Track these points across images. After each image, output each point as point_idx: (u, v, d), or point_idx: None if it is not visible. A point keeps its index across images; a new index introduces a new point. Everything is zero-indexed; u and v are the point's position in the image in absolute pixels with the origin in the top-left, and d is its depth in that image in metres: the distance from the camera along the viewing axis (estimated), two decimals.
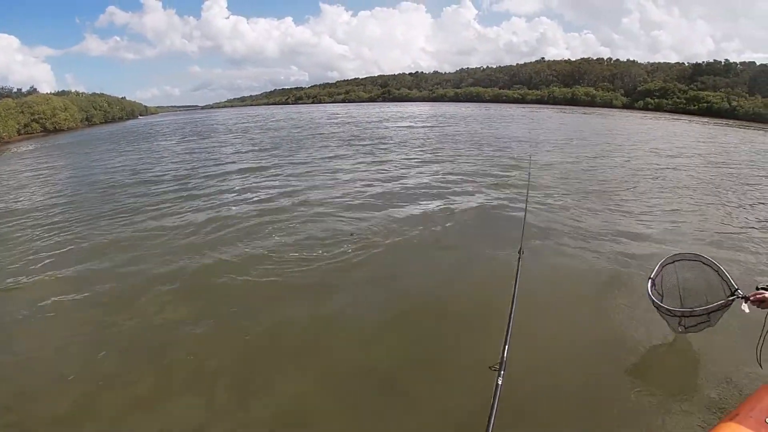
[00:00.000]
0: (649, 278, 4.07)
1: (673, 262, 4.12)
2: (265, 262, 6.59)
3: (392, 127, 33.65)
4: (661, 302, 3.97)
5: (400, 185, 11.73)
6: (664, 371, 4.06)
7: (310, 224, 8.43)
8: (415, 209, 9.41)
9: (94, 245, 7.75)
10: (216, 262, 6.67)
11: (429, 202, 9.91)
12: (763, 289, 3.25)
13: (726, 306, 3.62)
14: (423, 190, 11.09)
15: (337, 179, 12.82)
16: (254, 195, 11.10)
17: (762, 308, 3.25)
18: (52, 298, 5.67)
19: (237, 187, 12.16)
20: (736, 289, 3.56)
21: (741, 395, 3.45)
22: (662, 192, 11.22)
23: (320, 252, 6.91)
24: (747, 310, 3.36)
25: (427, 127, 33.41)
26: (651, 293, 3.98)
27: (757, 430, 2.11)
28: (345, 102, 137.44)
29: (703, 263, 3.93)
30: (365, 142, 22.61)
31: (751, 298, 3.28)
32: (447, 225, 8.31)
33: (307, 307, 5.27)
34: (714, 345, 4.13)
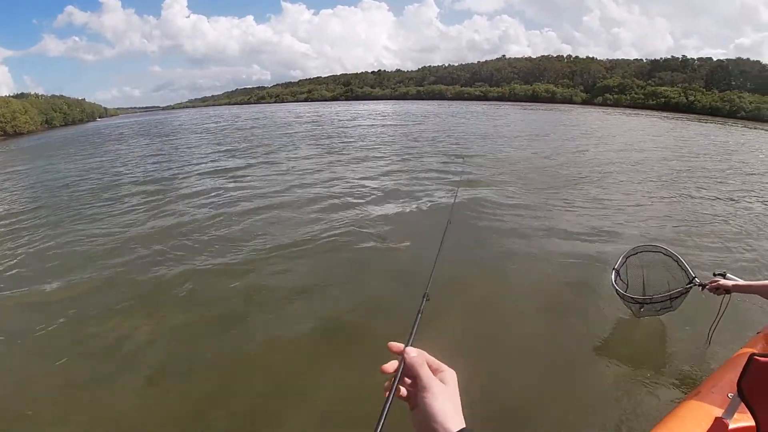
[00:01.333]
0: (613, 269, 4.38)
1: (636, 253, 4.36)
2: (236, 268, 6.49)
3: (356, 125, 33.84)
4: (626, 291, 4.24)
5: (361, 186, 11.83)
6: (629, 356, 4.19)
7: (273, 226, 8.36)
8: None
9: (69, 252, 7.47)
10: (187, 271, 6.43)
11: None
12: (719, 275, 3.51)
13: (684, 293, 3.91)
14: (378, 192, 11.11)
15: (303, 180, 12.68)
16: (217, 199, 10.88)
17: (717, 294, 3.49)
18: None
19: (201, 190, 11.90)
20: (694, 277, 3.82)
21: (704, 373, 3.61)
22: (623, 185, 11.65)
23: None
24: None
25: (390, 125, 33.76)
26: (615, 283, 4.28)
27: (721, 405, 2.12)
28: (308, 101, 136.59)
29: (664, 254, 4.18)
30: (332, 141, 22.61)
31: (708, 286, 3.54)
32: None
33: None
34: (677, 328, 4.40)
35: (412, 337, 0.94)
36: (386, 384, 0.84)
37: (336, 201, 10.00)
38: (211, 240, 7.64)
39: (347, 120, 41.02)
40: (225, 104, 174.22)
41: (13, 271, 6.74)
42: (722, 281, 3.40)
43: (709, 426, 1.95)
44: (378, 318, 4.93)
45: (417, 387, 0.82)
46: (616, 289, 4.27)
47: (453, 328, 4.46)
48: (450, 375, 0.85)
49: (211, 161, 17.33)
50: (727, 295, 3.45)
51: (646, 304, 4.13)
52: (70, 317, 5.16)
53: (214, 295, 5.59)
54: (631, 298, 4.20)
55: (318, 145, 21.38)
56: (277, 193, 10.96)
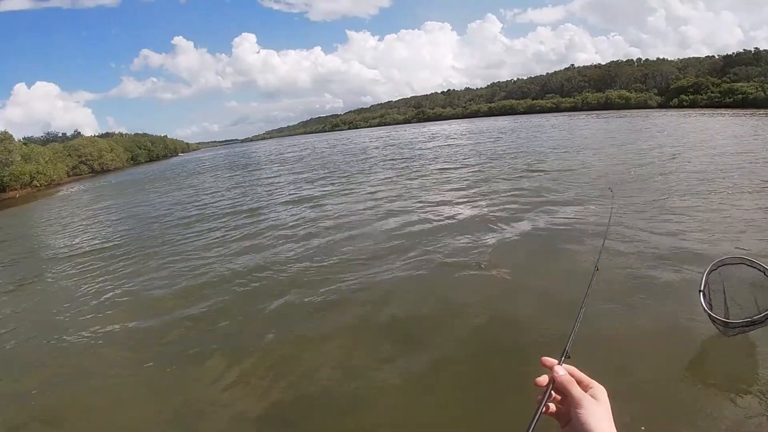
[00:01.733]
0: (699, 291, 3.93)
1: (717, 268, 3.99)
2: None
3: (432, 146, 33.33)
4: (711, 310, 3.87)
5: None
6: (722, 370, 3.90)
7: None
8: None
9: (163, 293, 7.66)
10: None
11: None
12: None
13: None
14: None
15: (387, 206, 12.16)
16: (302, 229, 10.83)
17: None
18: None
19: (286, 221, 11.98)
20: None
21: None
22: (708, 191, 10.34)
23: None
24: None
25: (464, 145, 33.05)
26: (705, 306, 3.88)
27: None
28: (380, 125, 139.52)
29: (747, 265, 3.83)
30: (408, 164, 22.38)
31: None
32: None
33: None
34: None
35: (563, 357, 0.93)
36: (538, 397, 0.85)
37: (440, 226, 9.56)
38: (300, 273, 7.58)
39: (423, 141, 41.04)
40: (301, 133, 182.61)
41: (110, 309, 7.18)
42: None
43: None
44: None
45: (569, 404, 0.83)
46: (709, 314, 3.87)
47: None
48: (600, 391, 0.84)
49: (294, 189, 17.83)
50: None
51: (746, 326, 3.73)
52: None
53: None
54: (724, 322, 3.83)
55: (393, 168, 21.38)
56: (363, 221, 10.67)
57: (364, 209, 11.87)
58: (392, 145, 39.76)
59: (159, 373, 4.89)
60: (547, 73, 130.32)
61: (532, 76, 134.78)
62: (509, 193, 12.21)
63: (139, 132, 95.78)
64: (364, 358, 4.75)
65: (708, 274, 3.98)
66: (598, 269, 2.03)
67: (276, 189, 18.46)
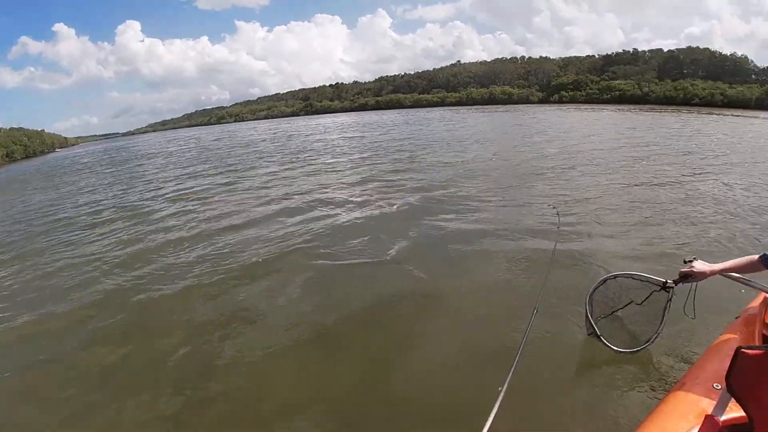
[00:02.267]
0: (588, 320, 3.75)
1: (594, 291, 3.75)
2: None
3: (320, 139, 34.03)
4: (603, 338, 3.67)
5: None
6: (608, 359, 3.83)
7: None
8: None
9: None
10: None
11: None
12: (689, 262, 3.22)
13: (669, 301, 3.39)
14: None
15: (271, 194, 12.81)
16: (186, 222, 10.94)
17: (690, 282, 3.25)
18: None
19: (170, 215, 11.91)
20: (665, 281, 3.37)
21: (688, 364, 3.44)
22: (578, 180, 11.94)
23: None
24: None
25: (350, 137, 34.25)
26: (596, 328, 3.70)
27: (707, 397, 2.07)
28: (267, 118, 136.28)
29: (618, 277, 3.66)
30: (294, 156, 22.64)
31: (680, 278, 3.26)
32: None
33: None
34: None
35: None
36: None
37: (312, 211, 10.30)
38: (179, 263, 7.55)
39: (312, 133, 41.58)
40: (185, 126, 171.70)
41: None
42: (696, 266, 3.14)
43: (701, 422, 1.88)
44: None
45: None
46: (598, 337, 3.69)
47: None
48: None
49: (178, 184, 17.38)
50: (695, 282, 3.23)
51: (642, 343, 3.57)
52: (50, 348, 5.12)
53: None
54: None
55: (283, 162, 21.62)
56: (253, 221, 10.23)
57: (255, 206, 11.75)
58: (280, 138, 39.87)
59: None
60: (434, 69, 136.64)
61: (421, 71, 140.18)
62: (395, 184, 13.08)
63: (15, 126, 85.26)
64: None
65: (590, 302, 3.76)
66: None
67: (160, 186, 17.85)
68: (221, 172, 19.59)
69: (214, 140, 48.48)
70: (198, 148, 37.79)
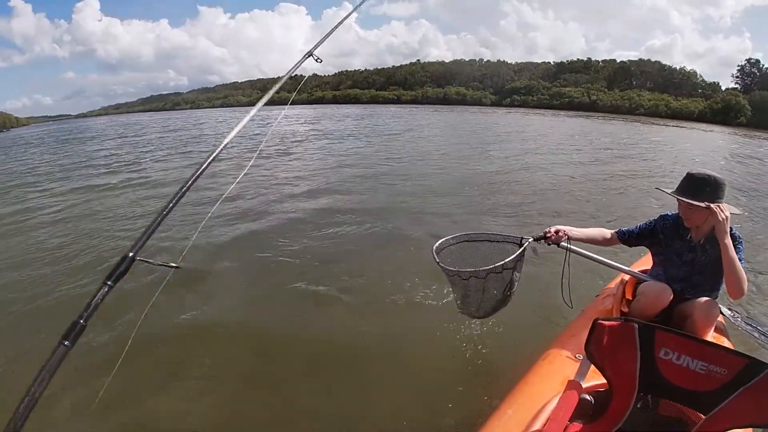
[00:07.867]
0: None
1: (442, 249, 3.18)
2: None
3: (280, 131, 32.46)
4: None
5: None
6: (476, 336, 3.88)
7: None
8: None
9: None
10: None
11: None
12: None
13: (522, 256, 3.00)
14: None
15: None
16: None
17: (559, 246, 3.10)
18: None
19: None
20: (521, 237, 3.10)
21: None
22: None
23: None
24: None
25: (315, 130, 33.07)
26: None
27: (572, 365, 2.12)
28: (224, 107, 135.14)
29: (470, 240, 3.29)
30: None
31: (545, 237, 3.06)
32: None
33: None
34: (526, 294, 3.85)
35: None
36: None
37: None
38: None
39: (269, 125, 39.64)
40: (139, 111, 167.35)
41: None
42: (562, 227, 3.04)
43: (564, 388, 1.94)
44: None
45: None
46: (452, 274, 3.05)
47: None
48: None
49: (130, 172, 15.78)
50: (554, 244, 3.08)
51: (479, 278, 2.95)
52: None
53: None
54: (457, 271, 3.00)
55: (241, 156, 18.00)
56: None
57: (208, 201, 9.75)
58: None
59: None
60: (393, 66, 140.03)
61: (381, 67, 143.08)
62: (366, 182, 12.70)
63: None
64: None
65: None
66: None
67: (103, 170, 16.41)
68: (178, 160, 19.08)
69: (172, 131, 44.75)
70: (149, 135, 35.73)
